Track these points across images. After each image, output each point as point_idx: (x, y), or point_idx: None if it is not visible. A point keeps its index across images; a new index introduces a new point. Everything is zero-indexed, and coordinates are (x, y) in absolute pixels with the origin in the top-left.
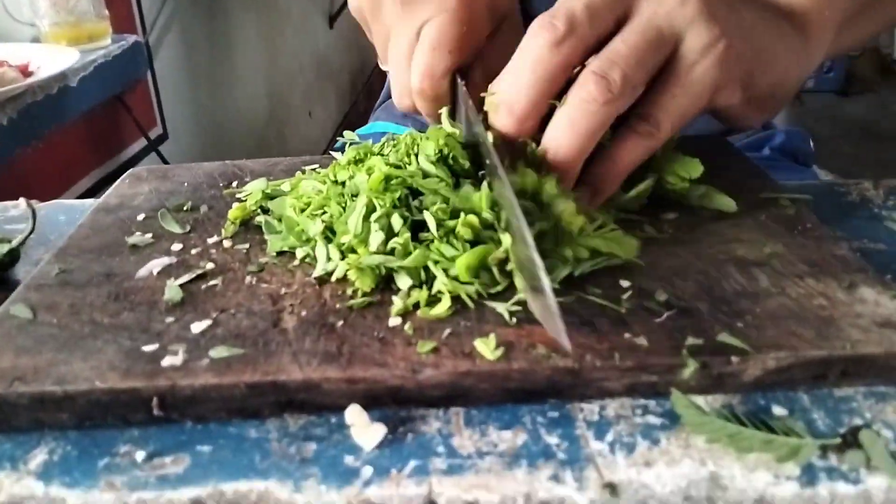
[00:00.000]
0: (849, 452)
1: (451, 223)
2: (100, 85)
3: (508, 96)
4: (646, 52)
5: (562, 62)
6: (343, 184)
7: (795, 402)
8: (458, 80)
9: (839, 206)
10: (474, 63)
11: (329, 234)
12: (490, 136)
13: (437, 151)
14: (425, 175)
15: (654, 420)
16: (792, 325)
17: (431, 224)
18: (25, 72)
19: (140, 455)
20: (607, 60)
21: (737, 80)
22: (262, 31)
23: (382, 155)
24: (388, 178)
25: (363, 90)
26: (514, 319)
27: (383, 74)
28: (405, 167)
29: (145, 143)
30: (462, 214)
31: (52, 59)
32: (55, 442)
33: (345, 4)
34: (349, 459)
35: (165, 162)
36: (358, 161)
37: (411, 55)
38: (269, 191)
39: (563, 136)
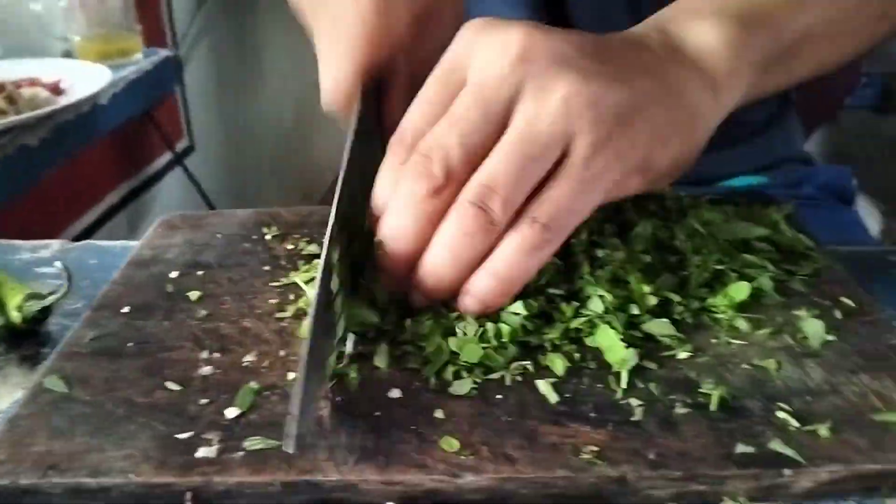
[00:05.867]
0: None
1: None
2: (130, 101)
3: (391, 241)
4: (527, 168)
5: (441, 206)
6: None
7: None
8: (357, 97)
9: (891, 279)
10: (397, 62)
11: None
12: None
13: None
14: None
15: None
16: (846, 433)
17: None
18: (57, 89)
19: None
20: (484, 188)
21: (634, 170)
22: (290, 39)
23: None
24: None
25: None
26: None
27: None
28: None
29: (171, 157)
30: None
31: (84, 76)
32: None
33: None
34: None
35: (191, 175)
36: None
37: None
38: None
39: (441, 267)
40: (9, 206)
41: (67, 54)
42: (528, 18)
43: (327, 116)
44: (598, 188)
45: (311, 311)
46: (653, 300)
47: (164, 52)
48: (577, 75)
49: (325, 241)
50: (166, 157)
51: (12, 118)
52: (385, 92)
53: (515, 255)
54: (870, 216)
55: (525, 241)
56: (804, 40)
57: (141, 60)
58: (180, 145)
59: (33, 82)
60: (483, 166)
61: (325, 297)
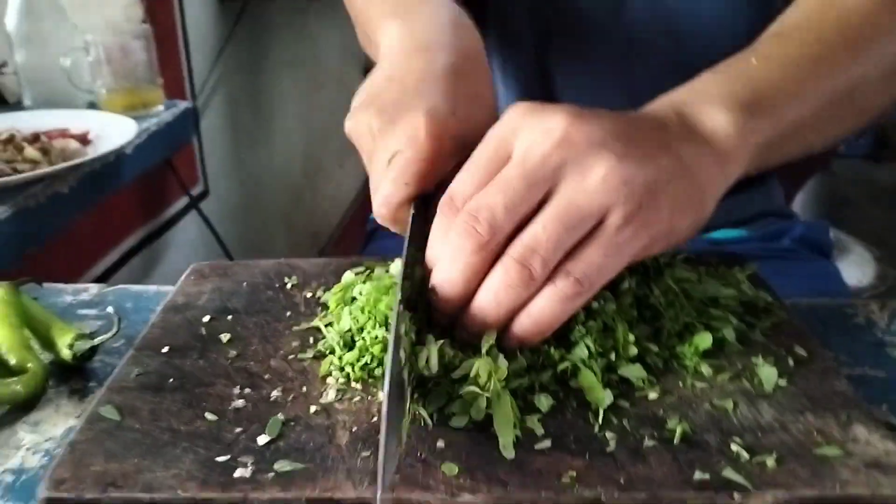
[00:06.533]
0: None
1: None
2: (152, 150)
3: (442, 289)
4: (565, 235)
5: (487, 260)
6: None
7: None
8: (410, 212)
9: (845, 330)
10: (442, 187)
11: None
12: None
13: None
14: None
15: None
16: (790, 464)
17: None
18: (85, 140)
19: None
20: (527, 248)
21: (658, 237)
22: (302, 87)
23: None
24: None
25: None
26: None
27: None
28: None
29: (188, 201)
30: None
31: (110, 127)
32: None
33: None
34: None
35: (205, 219)
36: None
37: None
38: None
39: (488, 310)
40: (35, 249)
41: (93, 105)
42: (521, 97)
43: (333, 160)
44: (626, 252)
45: (385, 384)
46: (634, 349)
47: (183, 104)
48: (612, 156)
49: (394, 316)
50: (182, 202)
51: (46, 169)
52: (431, 210)
53: (550, 304)
54: (864, 262)
55: (560, 292)
56: (798, 128)
57: (162, 112)
58: (196, 190)
59: (63, 133)
60: (528, 229)
61: (397, 367)
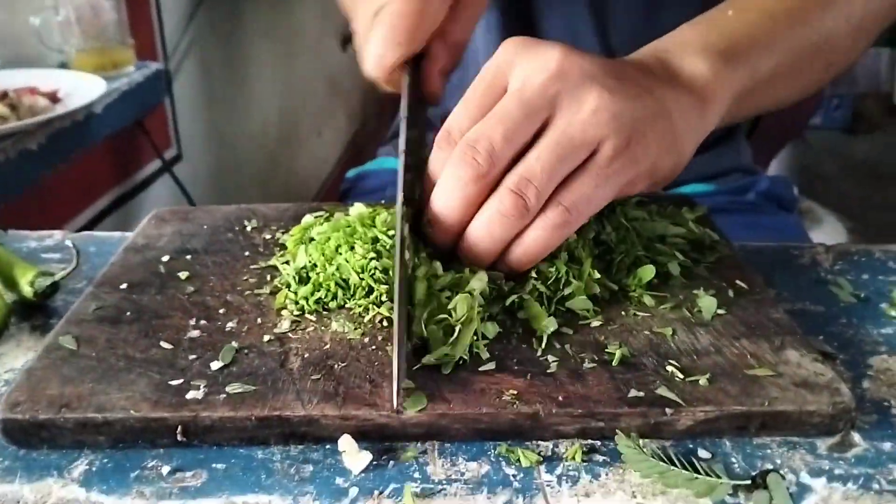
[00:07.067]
0: (756, 492)
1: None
2: (122, 111)
3: (440, 217)
4: (559, 166)
5: (485, 188)
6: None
7: (719, 447)
8: (405, 77)
9: (790, 269)
10: (435, 41)
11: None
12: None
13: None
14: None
15: (598, 458)
16: (722, 383)
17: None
18: (54, 98)
19: (165, 469)
20: (522, 178)
21: (643, 174)
22: (278, 54)
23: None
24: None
25: (373, 111)
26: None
27: (394, 97)
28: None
29: (160, 164)
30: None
31: (80, 86)
32: (94, 455)
33: None
34: (339, 481)
35: (179, 182)
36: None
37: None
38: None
39: (481, 242)
40: (8, 205)
41: (63, 65)
42: (502, 37)
43: (310, 127)
44: (614, 185)
45: (395, 286)
46: (595, 287)
47: (154, 66)
48: (604, 90)
49: (398, 212)
50: (155, 165)
51: (14, 124)
52: (423, 70)
53: (542, 233)
54: (836, 233)
55: (550, 221)
56: (770, 79)
57: (133, 73)
58: (169, 154)
59: (33, 91)
60: (523, 161)
61: (404, 270)
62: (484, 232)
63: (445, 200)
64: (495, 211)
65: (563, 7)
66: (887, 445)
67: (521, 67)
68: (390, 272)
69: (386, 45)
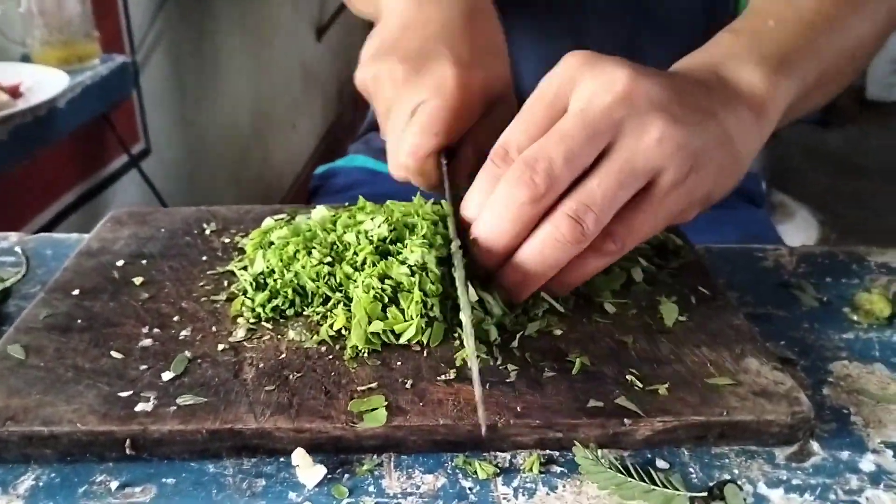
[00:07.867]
0: None
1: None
2: (86, 105)
3: (487, 238)
4: (619, 194)
5: (539, 213)
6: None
7: (677, 456)
8: (442, 161)
9: (753, 272)
10: (465, 139)
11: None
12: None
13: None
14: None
15: (555, 469)
16: (681, 392)
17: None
18: (15, 93)
19: (114, 485)
20: (582, 205)
21: (697, 203)
22: (250, 45)
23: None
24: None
25: (349, 102)
26: (451, 374)
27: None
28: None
29: (127, 159)
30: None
31: (42, 80)
32: (41, 470)
33: (334, 17)
34: (293, 495)
35: (146, 178)
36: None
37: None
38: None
39: (532, 266)
40: None
41: (26, 58)
42: None
43: (284, 120)
44: (667, 215)
45: (466, 327)
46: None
47: (120, 59)
48: (669, 118)
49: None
50: (122, 160)
51: None
52: (452, 169)
53: (595, 262)
54: (808, 225)
55: (604, 249)
56: (813, 89)
57: (98, 66)
58: (136, 148)
59: None
60: (583, 186)
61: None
62: (536, 256)
63: (498, 220)
64: (550, 236)
65: (540, 35)
66: (845, 454)
67: (585, 86)
68: (350, 278)
69: (423, 135)
